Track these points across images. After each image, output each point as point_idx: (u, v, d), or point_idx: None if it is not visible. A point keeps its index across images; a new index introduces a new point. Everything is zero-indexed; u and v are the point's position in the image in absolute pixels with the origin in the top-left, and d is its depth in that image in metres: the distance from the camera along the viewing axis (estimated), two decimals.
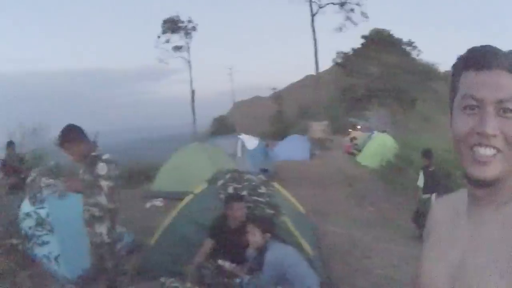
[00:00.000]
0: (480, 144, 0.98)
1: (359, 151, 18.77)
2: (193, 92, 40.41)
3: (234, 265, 4.61)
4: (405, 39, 45.59)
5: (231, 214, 4.91)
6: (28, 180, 5.64)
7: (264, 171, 13.00)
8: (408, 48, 46.78)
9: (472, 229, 1.10)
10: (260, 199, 5.51)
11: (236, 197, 5.06)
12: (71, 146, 4.57)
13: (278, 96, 50.25)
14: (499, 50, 1.04)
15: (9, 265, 5.40)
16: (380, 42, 43.08)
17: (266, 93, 58.80)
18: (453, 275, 1.07)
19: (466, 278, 1.03)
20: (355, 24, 40.94)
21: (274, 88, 55.64)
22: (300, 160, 17.51)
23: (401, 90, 37.59)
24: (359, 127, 26.99)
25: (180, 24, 44.71)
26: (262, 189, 5.63)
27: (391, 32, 45.40)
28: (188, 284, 4.31)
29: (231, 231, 4.89)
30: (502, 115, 0.99)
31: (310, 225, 6.87)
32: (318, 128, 24.56)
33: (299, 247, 4.96)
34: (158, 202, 10.27)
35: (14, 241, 5.49)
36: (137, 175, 13.61)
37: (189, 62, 44.36)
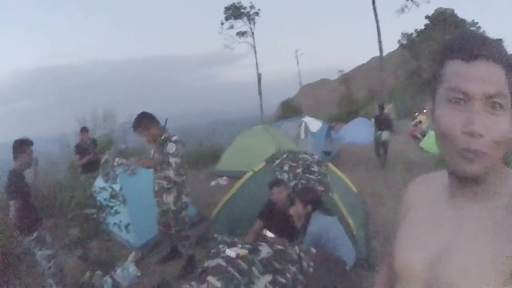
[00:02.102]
0: (467, 149, 0.96)
1: (424, 135, 18.02)
2: (259, 76, 40.53)
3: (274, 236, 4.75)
4: (468, 19, 43.04)
5: (273, 197, 5.28)
6: (102, 160, 6.32)
7: (327, 153, 13.08)
8: (472, 29, 44.40)
9: (453, 218, 1.09)
10: (312, 176, 5.85)
11: (274, 183, 5.34)
12: (144, 130, 5.35)
13: (345, 79, 49.18)
14: (487, 38, 1.00)
15: (82, 233, 6.03)
16: (444, 23, 40.91)
17: (333, 75, 57.79)
18: (433, 264, 1.06)
19: (448, 268, 1.01)
20: (417, 4, 39.51)
21: (341, 71, 54.56)
22: (364, 143, 17.16)
23: None
24: (425, 110, 25.43)
25: (242, 10, 44.61)
26: (315, 168, 5.94)
27: (454, 12, 42.88)
28: (235, 239, 4.56)
29: (279, 212, 5.23)
30: (491, 112, 0.96)
31: (361, 205, 7.08)
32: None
33: (344, 222, 5.19)
34: (222, 181, 10.75)
35: (89, 211, 6.12)
36: (205, 156, 14.09)
37: (254, 47, 44.42)
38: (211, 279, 2.92)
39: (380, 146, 12.90)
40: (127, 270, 5.68)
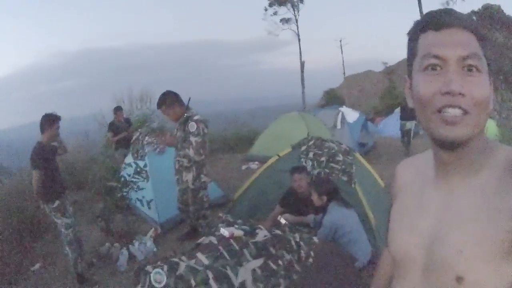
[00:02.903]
0: (448, 105, 0.93)
1: None
2: (302, 63, 40.14)
3: (284, 221, 4.74)
4: None
5: (294, 184, 5.19)
6: (133, 138, 6.40)
7: (362, 145, 12.94)
8: None
9: (442, 198, 1.07)
10: (336, 166, 5.73)
11: (295, 170, 5.25)
12: (167, 109, 5.39)
13: (390, 72, 48.46)
14: (456, 11, 1.01)
15: (106, 207, 6.15)
16: (490, 19, 39.25)
17: (377, 67, 56.68)
18: (428, 247, 1.05)
19: (443, 250, 1.00)
20: None
21: (385, 63, 53.47)
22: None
23: (510, 72, 34.00)
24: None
25: None
26: (340, 157, 5.82)
27: (501, 8, 40.94)
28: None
29: (299, 200, 5.17)
30: (467, 73, 0.95)
31: (387, 200, 6.87)
32: None
33: (364, 216, 5.09)
34: (254, 165, 10.76)
35: (114, 183, 6.23)
36: (243, 141, 14.19)
37: (297, 34, 43.89)
38: (199, 255, 2.90)
39: (405, 134, 13.63)
40: (145, 244, 5.78)
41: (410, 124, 13.43)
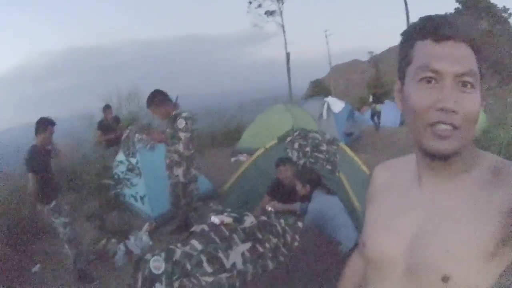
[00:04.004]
0: (440, 122, 0.95)
1: None
2: (288, 55, 40.13)
3: (271, 209, 4.77)
4: (499, 5, 40.54)
5: (279, 175, 5.39)
6: (123, 136, 6.58)
7: (348, 134, 13.00)
8: (504, 15, 41.92)
9: (427, 198, 1.09)
10: (320, 155, 5.90)
11: (280, 161, 5.42)
12: (156, 107, 5.60)
13: (375, 61, 48.69)
14: (456, 20, 1.00)
15: (101, 204, 6.32)
16: (476, 8, 39.08)
17: (363, 56, 56.64)
18: (411, 247, 1.06)
19: (428, 249, 1.02)
20: None
21: (371, 52, 53.42)
22: (389, 127, 16.96)
23: (497, 61, 33.94)
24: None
25: None
26: (324, 147, 5.98)
27: None
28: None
29: (285, 190, 5.32)
30: (461, 90, 0.96)
31: None
32: None
33: (349, 203, 5.23)
34: (242, 157, 10.86)
35: (106, 181, 6.41)
36: (231, 134, 14.26)
37: (282, 26, 43.73)
38: (194, 242, 3.13)
39: (375, 115, 17.49)
40: (140, 239, 5.97)
41: (379, 107, 17.29)
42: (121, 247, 5.79)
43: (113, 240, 5.99)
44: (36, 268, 5.83)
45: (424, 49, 1.00)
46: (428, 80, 0.98)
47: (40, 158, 5.04)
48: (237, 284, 2.93)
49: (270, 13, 44.05)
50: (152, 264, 2.89)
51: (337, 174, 5.72)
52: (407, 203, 1.12)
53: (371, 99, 19.23)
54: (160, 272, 2.87)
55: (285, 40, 43.01)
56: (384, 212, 1.18)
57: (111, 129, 9.35)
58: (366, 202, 1.32)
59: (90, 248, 5.98)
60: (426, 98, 0.97)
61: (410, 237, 1.07)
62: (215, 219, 3.41)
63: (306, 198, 4.78)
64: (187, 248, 3.05)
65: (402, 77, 1.08)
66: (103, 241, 6.02)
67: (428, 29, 1.00)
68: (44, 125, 5.14)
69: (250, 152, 10.19)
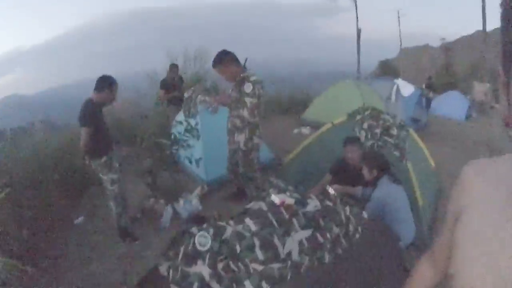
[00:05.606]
0: None
1: None
2: (359, 31, 39.13)
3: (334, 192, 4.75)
4: None
5: (346, 155, 5.09)
6: (186, 96, 6.36)
7: (415, 120, 12.58)
8: None
9: None
10: (389, 139, 5.55)
11: (349, 141, 5.13)
12: (223, 68, 5.26)
13: (447, 48, 47.12)
14: None
15: (154, 163, 6.18)
16: None
17: (434, 42, 55.13)
18: None
19: None
20: None
21: (443, 39, 51.73)
22: (455, 119, 16.32)
23: None
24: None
25: None
26: (394, 131, 5.64)
27: None
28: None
29: (350, 171, 5.06)
30: None
31: (435, 182, 6.65)
32: (481, 89, 22.25)
33: (412, 195, 4.93)
34: (305, 130, 10.67)
35: (163, 140, 6.24)
36: (296, 104, 14.02)
37: (355, 1, 42.80)
38: (248, 221, 2.84)
39: (426, 101, 16.35)
40: (190, 202, 5.79)
41: (432, 95, 17.37)
42: (169, 208, 5.64)
43: (162, 201, 5.84)
44: (79, 220, 5.81)
45: None
46: None
47: (94, 113, 4.90)
48: (289, 276, 2.59)
49: None
50: (198, 239, 2.61)
51: (404, 162, 5.36)
52: (509, 232, 0.83)
53: (424, 86, 18.46)
54: (205, 249, 2.59)
55: (357, 16, 42.06)
56: (482, 234, 0.88)
57: (174, 88, 9.19)
58: (452, 212, 1.04)
59: (137, 205, 5.87)
60: None
61: (508, 282, 0.79)
62: (275, 198, 3.09)
63: (370, 184, 4.54)
64: (239, 228, 2.75)
65: (507, 69, 0.85)
66: (152, 200, 5.89)
67: None
68: (108, 83, 4.98)
69: (314, 125, 9.95)
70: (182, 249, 2.64)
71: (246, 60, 5.41)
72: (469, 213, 0.95)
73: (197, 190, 6.20)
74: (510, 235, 0.82)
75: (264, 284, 2.50)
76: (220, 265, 2.55)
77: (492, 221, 0.87)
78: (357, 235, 3.12)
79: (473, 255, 0.88)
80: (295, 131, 10.94)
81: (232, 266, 2.55)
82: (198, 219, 4.94)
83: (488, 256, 0.84)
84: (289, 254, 2.67)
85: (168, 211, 5.58)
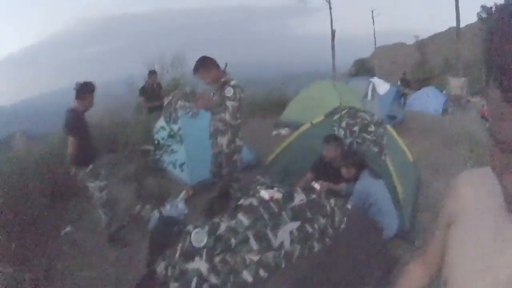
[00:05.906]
0: None
1: None
2: (333, 32, 39.40)
3: (318, 186, 4.77)
4: None
5: (326, 153, 5.19)
6: (165, 102, 6.45)
7: (392, 117, 12.80)
8: None
9: None
10: (368, 136, 5.72)
11: (329, 139, 5.23)
12: (204, 73, 5.37)
13: (421, 45, 47.80)
14: None
15: (138, 169, 6.24)
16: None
17: (409, 40, 55.96)
18: None
19: None
20: None
21: (417, 36, 52.40)
22: (431, 114, 16.25)
23: None
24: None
25: None
26: (372, 128, 5.80)
27: None
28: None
29: (330, 168, 5.15)
30: None
31: (414, 174, 6.83)
32: (456, 84, 22.59)
33: (392, 188, 5.05)
34: (284, 131, 10.69)
35: (146, 147, 6.32)
36: (273, 106, 13.98)
37: (329, 1, 43.00)
38: (240, 216, 2.98)
39: (401, 97, 17.45)
40: (176, 206, 5.88)
41: (408, 90, 18.52)
42: (156, 213, 5.71)
43: (148, 206, 5.92)
44: (67, 230, 5.82)
45: None
46: None
47: (79, 122, 4.99)
48: (283, 264, 2.74)
49: None
50: (193, 236, 2.74)
51: (383, 157, 5.53)
52: (501, 235, 0.86)
53: (399, 83, 19.47)
54: (201, 245, 2.71)
55: (331, 16, 42.28)
56: (474, 240, 0.91)
57: (154, 95, 9.25)
58: (445, 217, 1.06)
59: (125, 212, 5.93)
60: None
61: (507, 282, 0.81)
62: (264, 193, 3.23)
63: (351, 180, 4.67)
64: (233, 223, 2.89)
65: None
66: (138, 206, 5.96)
67: None
68: (86, 90, 5.06)
69: (293, 126, 10.04)
70: (179, 247, 2.76)
71: (226, 64, 5.55)
72: (462, 219, 0.98)
73: (183, 194, 6.28)
74: (506, 239, 0.84)
75: (261, 271, 2.64)
76: (216, 259, 2.68)
77: (487, 226, 0.90)
78: (343, 225, 3.29)
79: (468, 259, 0.91)
80: (274, 132, 10.92)
81: (229, 259, 2.68)
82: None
83: (484, 260, 0.87)
84: (281, 244, 2.83)
85: (155, 216, 5.65)
